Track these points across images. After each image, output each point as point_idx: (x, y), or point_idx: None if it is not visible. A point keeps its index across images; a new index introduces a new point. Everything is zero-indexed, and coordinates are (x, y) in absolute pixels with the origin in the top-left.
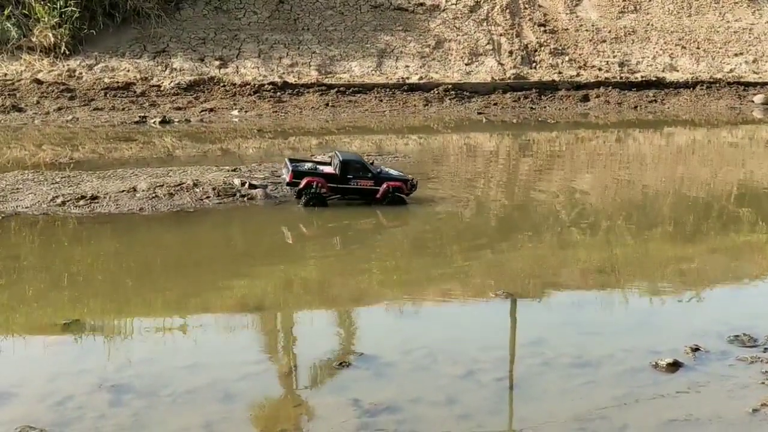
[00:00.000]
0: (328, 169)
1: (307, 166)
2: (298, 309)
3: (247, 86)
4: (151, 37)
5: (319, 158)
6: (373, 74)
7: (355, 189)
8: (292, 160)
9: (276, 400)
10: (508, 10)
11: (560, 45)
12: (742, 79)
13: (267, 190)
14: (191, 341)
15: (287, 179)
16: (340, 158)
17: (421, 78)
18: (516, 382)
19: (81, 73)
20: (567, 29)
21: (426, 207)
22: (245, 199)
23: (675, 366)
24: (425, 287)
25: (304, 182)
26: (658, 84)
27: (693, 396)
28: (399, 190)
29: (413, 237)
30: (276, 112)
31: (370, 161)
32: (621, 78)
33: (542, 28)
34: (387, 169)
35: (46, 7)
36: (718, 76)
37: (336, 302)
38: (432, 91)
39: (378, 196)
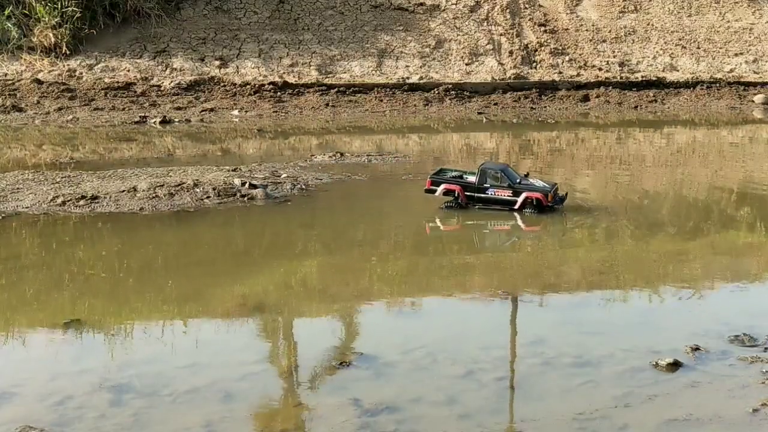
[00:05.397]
0: (472, 179)
1: (452, 174)
2: (298, 308)
3: (248, 86)
4: (151, 37)
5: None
6: (373, 74)
7: (491, 198)
8: (441, 170)
9: (276, 400)
10: (508, 10)
11: (560, 45)
12: (742, 79)
13: (267, 190)
14: (191, 341)
15: (426, 185)
16: (480, 167)
17: (421, 78)
18: (516, 381)
19: (81, 73)
20: (567, 29)
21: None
22: (245, 199)
23: (675, 366)
24: (425, 286)
25: (441, 189)
26: (659, 84)
27: (693, 396)
28: (539, 201)
29: (412, 238)
30: (276, 112)
31: (525, 173)
32: (621, 78)
33: (542, 28)
34: (532, 180)
35: (47, 7)
36: (719, 76)
37: (336, 302)
38: (432, 91)
39: (516, 207)
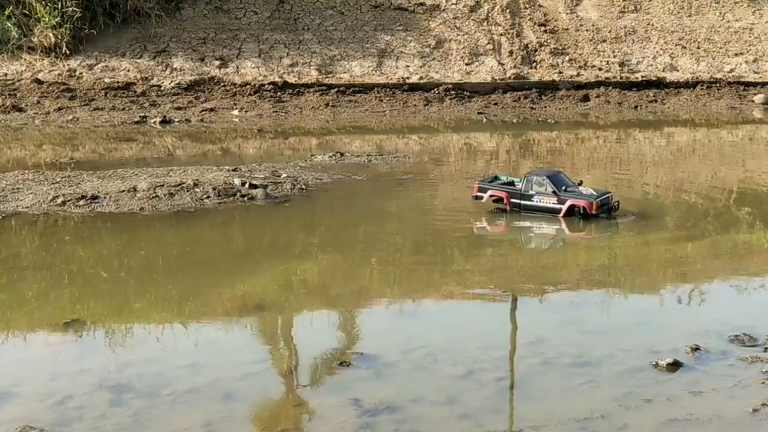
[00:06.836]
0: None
1: (504, 181)
2: (298, 309)
3: (248, 86)
4: (151, 37)
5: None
6: (373, 74)
7: (536, 206)
8: (495, 178)
9: (276, 400)
10: (508, 10)
11: (560, 45)
12: (742, 79)
13: (267, 190)
14: (191, 341)
15: (474, 192)
16: (525, 175)
17: (421, 78)
18: (516, 381)
19: (81, 73)
20: (567, 29)
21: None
22: (245, 198)
23: (675, 366)
24: (425, 286)
25: (487, 195)
26: (659, 84)
27: (693, 396)
28: (584, 210)
29: (412, 238)
30: (276, 112)
31: (579, 181)
32: (621, 78)
33: (542, 28)
34: (581, 189)
35: (47, 7)
36: (719, 75)
37: (336, 302)
38: (432, 91)
39: (560, 215)
